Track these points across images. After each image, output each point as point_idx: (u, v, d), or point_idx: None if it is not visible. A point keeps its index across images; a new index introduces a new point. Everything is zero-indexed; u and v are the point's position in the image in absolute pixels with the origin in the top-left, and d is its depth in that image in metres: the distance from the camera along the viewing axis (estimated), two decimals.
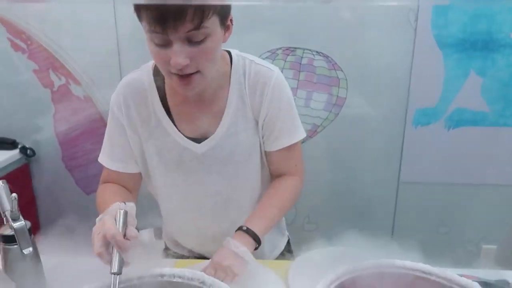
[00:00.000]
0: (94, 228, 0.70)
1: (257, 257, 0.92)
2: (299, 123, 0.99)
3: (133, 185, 1.01)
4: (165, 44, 0.76)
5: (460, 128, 1.86)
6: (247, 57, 0.96)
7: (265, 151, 1.00)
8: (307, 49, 1.79)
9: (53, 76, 1.92)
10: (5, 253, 0.77)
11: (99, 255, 0.65)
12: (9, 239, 0.77)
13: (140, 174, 1.01)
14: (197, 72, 0.80)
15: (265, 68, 0.94)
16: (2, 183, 0.78)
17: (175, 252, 1.16)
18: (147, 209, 2.11)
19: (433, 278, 0.66)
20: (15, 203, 0.76)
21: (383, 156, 1.91)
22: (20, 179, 1.96)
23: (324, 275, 0.89)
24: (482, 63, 1.78)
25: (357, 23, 1.77)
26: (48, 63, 1.90)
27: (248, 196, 1.02)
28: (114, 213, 0.70)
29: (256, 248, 0.89)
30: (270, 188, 1.01)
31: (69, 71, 1.91)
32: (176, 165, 0.96)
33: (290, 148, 0.97)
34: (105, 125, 1.91)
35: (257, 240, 0.88)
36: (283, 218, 1.17)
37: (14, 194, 0.75)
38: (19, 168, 1.94)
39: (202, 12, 0.72)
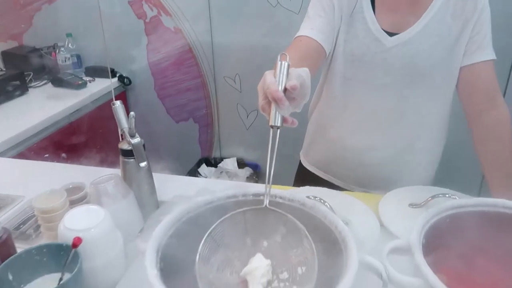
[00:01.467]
0: (259, 84, 0.64)
1: None
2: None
3: (316, 62, 0.99)
4: None
5: None
6: None
7: (463, 69, 0.96)
8: None
9: (145, 7, 1.99)
10: (124, 165, 0.87)
11: (262, 109, 0.61)
12: (127, 153, 0.86)
13: (325, 56, 0.99)
14: None
15: None
16: (120, 103, 0.86)
17: (317, 176, 1.19)
18: (230, 140, 2.23)
19: None
20: (132, 121, 0.83)
21: None
22: None
23: (413, 210, 0.89)
24: None
25: None
26: None
27: (421, 115, 1.01)
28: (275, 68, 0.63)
29: None
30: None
31: (160, 2, 1.96)
32: (360, 55, 0.97)
33: (492, 65, 0.95)
34: (193, 57, 2.02)
35: None
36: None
37: (132, 113, 0.83)
38: (117, 96, 2.11)
39: None
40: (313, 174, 1.19)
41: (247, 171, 2.08)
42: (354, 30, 0.97)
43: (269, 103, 0.59)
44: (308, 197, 0.87)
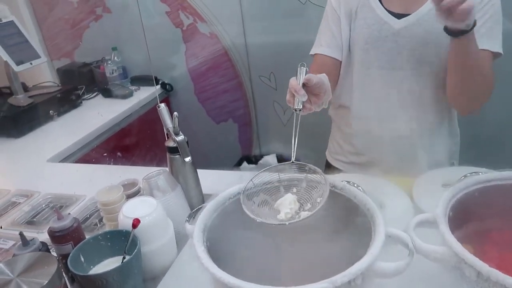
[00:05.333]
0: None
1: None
2: (500, 38, 0.98)
3: (333, 71, 1.12)
4: None
5: None
6: None
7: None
8: None
9: (182, 16, 2.11)
10: (171, 161, 0.97)
11: (288, 101, 0.79)
12: (173, 150, 0.95)
13: (340, 64, 1.12)
14: None
15: None
16: (164, 105, 0.96)
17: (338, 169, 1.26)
18: (268, 138, 2.29)
19: None
20: (176, 120, 0.92)
21: None
22: None
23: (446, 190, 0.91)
24: None
25: None
26: (177, 4, 2.08)
27: (431, 93, 1.05)
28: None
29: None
30: None
31: (195, 10, 2.07)
32: (372, 41, 1.03)
33: (488, 55, 0.96)
34: (229, 60, 2.11)
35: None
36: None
37: (175, 113, 0.92)
38: (161, 101, 2.24)
39: None
40: (339, 170, 1.25)
41: None
42: (364, 21, 1.03)
43: (293, 96, 0.78)
44: (342, 181, 0.93)
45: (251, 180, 0.72)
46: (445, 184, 0.93)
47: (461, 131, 1.23)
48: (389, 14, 1.01)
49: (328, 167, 1.30)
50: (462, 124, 1.21)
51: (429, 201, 0.90)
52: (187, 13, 2.09)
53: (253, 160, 2.27)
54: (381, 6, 1.02)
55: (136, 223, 0.71)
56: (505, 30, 1.02)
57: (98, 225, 0.99)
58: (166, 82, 2.24)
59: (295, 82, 0.77)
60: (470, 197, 0.69)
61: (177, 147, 0.94)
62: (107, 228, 0.91)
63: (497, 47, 0.98)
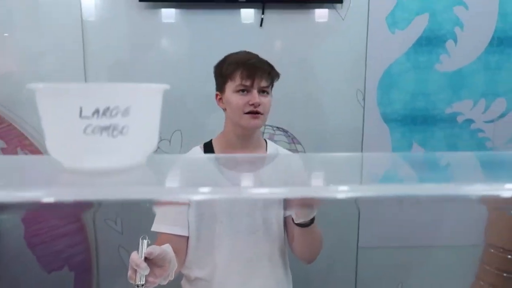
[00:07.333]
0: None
1: None
2: None
3: (180, 247, 1.14)
4: (248, 92, 1.12)
5: None
6: None
7: (287, 226, 1.21)
8: (268, 125, 1.94)
9: (20, 154, 1.95)
10: None
11: (130, 278, 0.79)
12: None
13: (187, 239, 1.14)
14: (261, 114, 1.13)
15: (288, 150, 1.34)
16: None
17: None
18: (111, 286, 2.07)
19: None
20: None
21: (341, 224, 2.01)
22: None
23: None
24: (423, 135, 2.00)
25: (313, 101, 1.96)
26: (16, 141, 1.94)
27: (278, 250, 1.20)
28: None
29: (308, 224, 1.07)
30: None
31: (37, 149, 1.95)
32: (225, 215, 1.13)
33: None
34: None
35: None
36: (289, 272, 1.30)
37: None
38: None
39: (272, 76, 1.16)
40: None
41: None
42: None
43: (135, 271, 0.76)
44: None
45: None
46: None
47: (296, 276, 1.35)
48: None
49: None
50: (295, 270, 1.33)
51: None
52: (27, 151, 1.95)
53: None
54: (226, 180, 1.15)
55: None
56: None
57: None
58: None
59: (136, 256, 0.76)
60: None
61: None
62: None
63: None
